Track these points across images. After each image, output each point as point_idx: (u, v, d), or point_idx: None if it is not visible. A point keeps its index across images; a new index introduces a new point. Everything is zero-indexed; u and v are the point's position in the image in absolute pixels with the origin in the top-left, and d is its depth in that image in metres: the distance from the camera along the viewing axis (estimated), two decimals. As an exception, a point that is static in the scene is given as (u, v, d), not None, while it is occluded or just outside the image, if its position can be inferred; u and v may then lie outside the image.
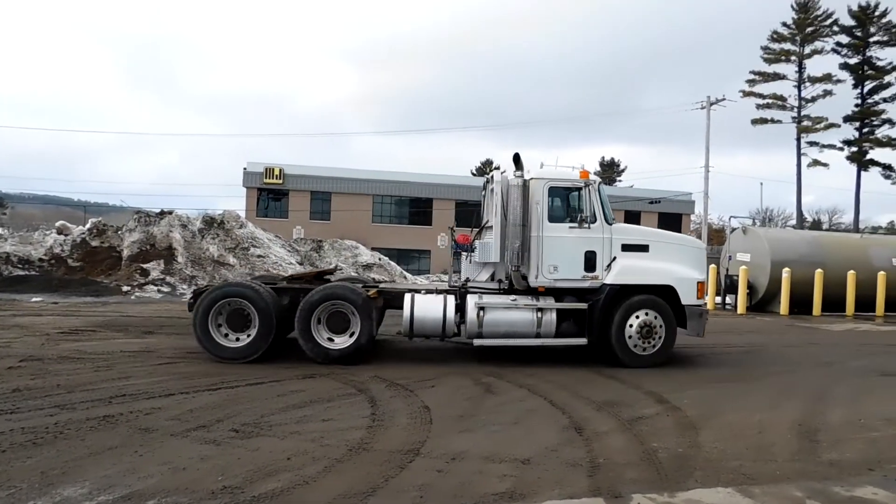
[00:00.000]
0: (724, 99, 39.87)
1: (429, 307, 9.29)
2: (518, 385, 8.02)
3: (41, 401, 6.48)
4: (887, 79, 49.86)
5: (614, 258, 9.47)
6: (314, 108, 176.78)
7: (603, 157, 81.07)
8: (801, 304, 19.67)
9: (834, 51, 51.58)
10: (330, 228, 39.77)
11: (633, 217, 43.39)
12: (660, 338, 9.48)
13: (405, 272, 27.98)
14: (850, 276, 19.78)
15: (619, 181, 74.00)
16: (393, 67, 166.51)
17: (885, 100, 50.38)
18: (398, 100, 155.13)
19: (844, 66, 51.06)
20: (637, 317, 9.41)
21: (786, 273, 19.55)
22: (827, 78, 50.34)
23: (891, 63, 49.44)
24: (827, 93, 50.52)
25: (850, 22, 50.49)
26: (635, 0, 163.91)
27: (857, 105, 51.09)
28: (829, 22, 50.97)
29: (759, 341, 13.36)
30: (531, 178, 9.43)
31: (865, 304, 20.13)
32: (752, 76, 52.53)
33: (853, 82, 51.02)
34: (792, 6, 51.65)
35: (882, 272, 20.20)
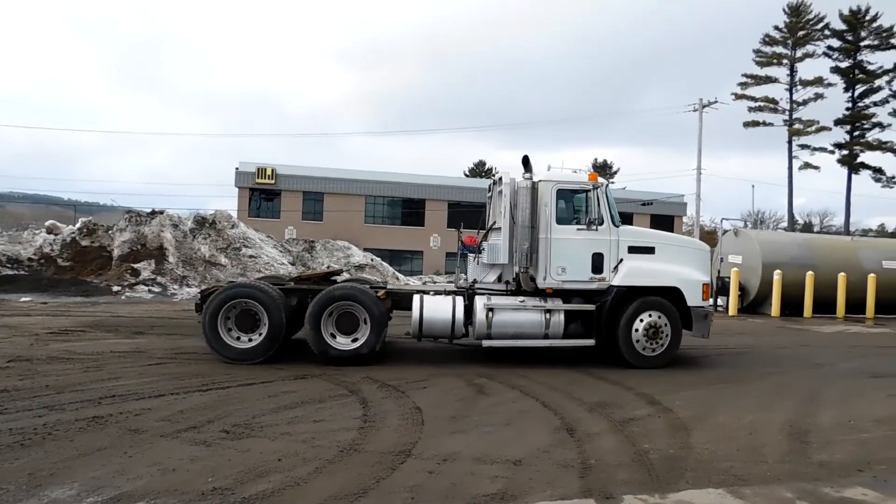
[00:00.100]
0: (716, 102, 40.26)
1: (438, 308, 9.28)
2: (510, 386, 8.02)
3: (30, 402, 6.44)
4: (878, 83, 50.18)
5: (621, 260, 9.53)
6: (307, 109, 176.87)
7: (595, 160, 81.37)
8: (792, 305, 19.77)
9: (825, 54, 51.94)
10: (322, 229, 39.65)
11: (625, 219, 42.30)
12: (666, 338, 9.54)
13: (397, 273, 27.94)
14: (841, 278, 19.91)
15: (612, 183, 74.03)
16: (386, 68, 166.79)
17: (875, 103, 50.71)
18: (391, 100, 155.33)
19: (836, 70, 51.39)
20: (643, 318, 9.46)
21: (777, 275, 19.65)
22: (818, 81, 50.63)
23: (881, 67, 49.77)
24: (818, 96, 50.80)
25: (841, 26, 50.81)
26: (635, 0, 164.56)
27: (847, 108, 51.38)
28: (820, 26, 51.28)
29: (751, 343, 13.43)
30: (540, 181, 9.48)
31: (856, 306, 20.27)
32: (744, 79, 52.92)
33: (844, 86, 51.34)
34: (784, 10, 52.08)
35: (872, 274, 20.34)
